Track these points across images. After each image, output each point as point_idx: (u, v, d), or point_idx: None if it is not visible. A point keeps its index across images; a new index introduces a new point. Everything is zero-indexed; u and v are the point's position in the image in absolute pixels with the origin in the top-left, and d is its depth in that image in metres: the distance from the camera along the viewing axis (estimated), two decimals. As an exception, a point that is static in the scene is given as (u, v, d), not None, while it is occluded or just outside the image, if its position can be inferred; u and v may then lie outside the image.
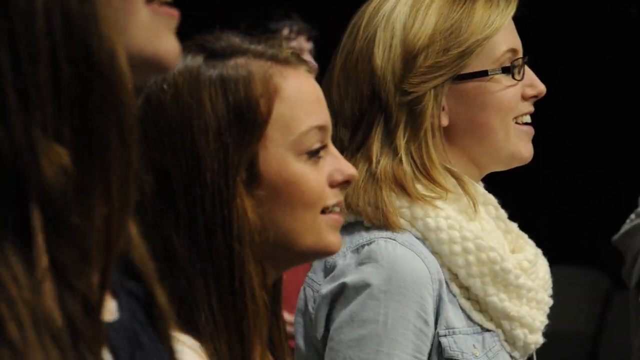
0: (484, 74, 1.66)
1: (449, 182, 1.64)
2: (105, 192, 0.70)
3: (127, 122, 0.71)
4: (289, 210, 1.27)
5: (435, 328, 1.58)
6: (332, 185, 1.29)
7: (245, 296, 1.24)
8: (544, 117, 1.75)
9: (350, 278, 1.58)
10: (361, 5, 1.73)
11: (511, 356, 1.65)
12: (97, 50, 0.70)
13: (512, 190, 1.84)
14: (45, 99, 0.69)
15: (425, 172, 1.62)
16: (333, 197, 1.29)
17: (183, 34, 0.85)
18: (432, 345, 1.58)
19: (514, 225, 1.74)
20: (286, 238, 1.28)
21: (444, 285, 1.59)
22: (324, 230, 1.29)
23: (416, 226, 1.61)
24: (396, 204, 1.60)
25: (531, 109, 1.71)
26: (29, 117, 0.68)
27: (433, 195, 1.61)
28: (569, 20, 5.62)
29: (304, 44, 3.40)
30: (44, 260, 0.67)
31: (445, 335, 1.58)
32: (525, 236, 1.76)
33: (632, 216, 2.47)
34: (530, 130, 1.71)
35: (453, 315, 1.59)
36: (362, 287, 1.57)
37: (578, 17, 5.69)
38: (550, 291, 1.72)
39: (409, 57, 1.63)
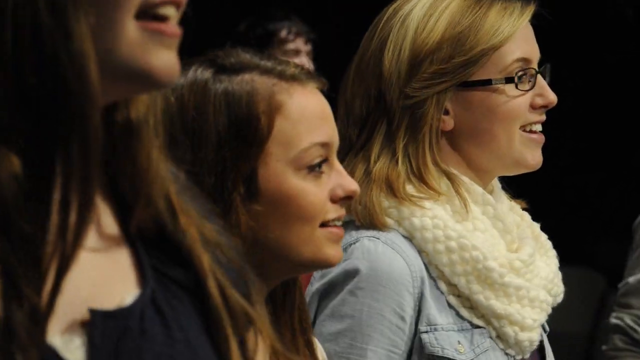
0: (488, 82, 1.68)
1: (443, 183, 1.66)
2: (63, 203, 0.71)
3: (90, 136, 0.72)
4: (286, 223, 1.29)
5: (417, 325, 1.61)
6: (334, 200, 1.31)
7: None
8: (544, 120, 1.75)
9: (334, 275, 1.62)
10: (360, 8, 1.75)
11: (506, 353, 1.66)
12: (65, 64, 0.70)
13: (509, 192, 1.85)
14: (7, 108, 0.69)
15: (418, 174, 1.65)
16: (333, 212, 1.31)
17: (184, 37, 0.85)
18: (414, 341, 1.61)
19: (534, 227, 1.77)
20: (283, 250, 1.30)
21: (427, 283, 1.62)
22: (323, 243, 1.31)
23: (403, 225, 1.64)
24: (384, 204, 1.63)
25: (541, 117, 1.71)
26: None
27: (422, 196, 1.64)
28: (570, 24, 5.63)
29: (302, 46, 3.40)
30: None
31: (426, 332, 1.61)
32: (543, 237, 1.77)
33: None
34: (540, 139, 1.71)
35: (437, 312, 1.62)
36: (342, 283, 1.61)
37: (579, 21, 5.70)
38: (556, 290, 1.73)
39: (415, 61, 1.65)
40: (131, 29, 0.75)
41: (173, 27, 0.77)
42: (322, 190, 1.30)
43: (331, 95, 1.40)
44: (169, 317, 0.82)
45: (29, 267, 0.70)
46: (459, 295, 1.64)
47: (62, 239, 0.71)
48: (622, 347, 2.54)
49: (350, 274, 1.61)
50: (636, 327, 2.52)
